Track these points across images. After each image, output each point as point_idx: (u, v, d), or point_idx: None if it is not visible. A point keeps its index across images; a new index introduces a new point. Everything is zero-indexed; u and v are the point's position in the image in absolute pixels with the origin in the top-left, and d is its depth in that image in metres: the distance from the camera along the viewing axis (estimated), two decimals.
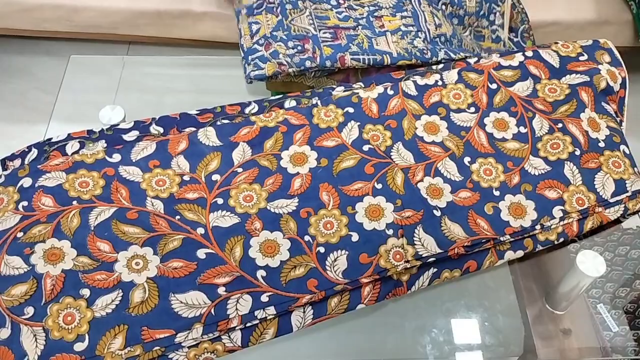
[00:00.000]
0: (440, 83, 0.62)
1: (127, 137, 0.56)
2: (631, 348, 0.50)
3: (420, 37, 0.70)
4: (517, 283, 0.54)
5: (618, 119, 0.61)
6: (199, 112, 0.58)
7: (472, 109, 0.60)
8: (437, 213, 0.51)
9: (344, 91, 0.61)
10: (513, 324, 0.52)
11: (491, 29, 0.77)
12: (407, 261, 0.48)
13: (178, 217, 0.50)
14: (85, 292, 0.45)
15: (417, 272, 0.50)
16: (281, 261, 0.47)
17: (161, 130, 0.56)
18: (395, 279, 0.49)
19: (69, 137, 0.55)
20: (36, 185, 0.50)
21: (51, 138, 0.55)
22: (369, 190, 0.52)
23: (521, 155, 0.56)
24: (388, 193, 0.52)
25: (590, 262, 0.51)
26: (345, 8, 0.73)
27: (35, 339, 0.42)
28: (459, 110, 0.60)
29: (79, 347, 0.42)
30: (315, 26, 0.70)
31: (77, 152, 0.54)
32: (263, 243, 0.48)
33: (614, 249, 0.56)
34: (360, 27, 0.71)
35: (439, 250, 0.49)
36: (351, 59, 0.65)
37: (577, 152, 0.56)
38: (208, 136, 0.56)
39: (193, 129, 0.57)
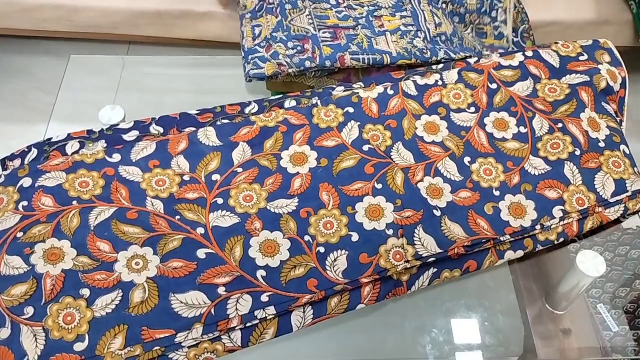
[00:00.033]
0: (440, 83, 0.62)
1: (127, 137, 0.56)
2: (631, 348, 0.50)
3: (420, 37, 0.70)
4: (517, 283, 0.54)
5: (618, 119, 0.61)
6: (198, 111, 0.58)
7: (472, 109, 0.60)
8: (437, 213, 0.51)
9: (344, 91, 0.61)
10: (513, 323, 0.52)
11: (493, 26, 0.77)
12: (407, 261, 0.48)
13: (178, 217, 0.50)
14: (85, 291, 0.45)
15: (417, 272, 0.50)
16: (281, 261, 0.47)
17: (161, 130, 0.56)
18: (395, 278, 0.49)
19: (69, 137, 0.55)
20: (36, 185, 0.50)
21: (51, 138, 0.55)
22: (368, 190, 0.52)
23: (521, 155, 0.56)
24: (388, 193, 0.52)
25: (590, 262, 0.51)
26: (344, 7, 0.73)
27: (35, 338, 0.42)
28: (459, 110, 0.60)
29: (79, 347, 0.42)
30: (315, 25, 0.70)
31: (77, 152, 0.54)
32: (263, 243, 0.48)
33: (613, 249, 0.56)
34: (359, 26, 0.71)
35: (438, 250, 0.49)
36: (351, 58, 0.65)
37: (577, 152, 0.56)
38: (208, 136, 0.56)
39: (193, 128, 0.57)
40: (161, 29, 1.08)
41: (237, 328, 0.45)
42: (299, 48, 0.67)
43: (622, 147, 0.58)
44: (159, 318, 0.44)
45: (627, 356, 0.50)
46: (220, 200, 0.51)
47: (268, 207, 0.51)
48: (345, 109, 0.59)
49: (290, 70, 0.65)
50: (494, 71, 0.63)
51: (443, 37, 0.71)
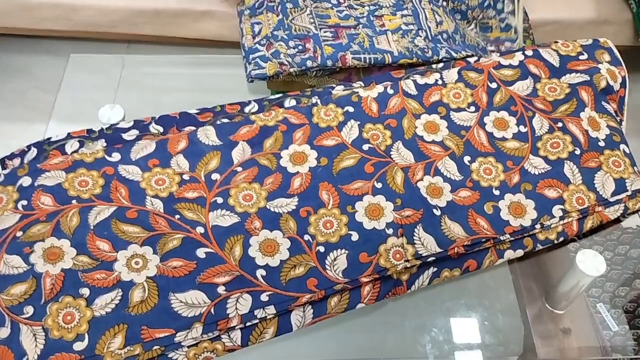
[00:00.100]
0: (440, 82, 0.62)
1: (127, 136, 0.56)
2: (631, 347, 0.50)
3: (421, 36, 0.69)
4: (517, 282, 0.54)
5: (618, 118, 0.61)
6: (198, 111, 0.58)
7: (472, 108, 0.60)
8: (437, 212, 0.51)
9: (344, 90, 0.61)
10: (513, 323, 0.52)
11: (499, 18, 0.76)
12: (407, 260, 0.48)
13: (177, 216, 0.49)
14: (85, 291, 0.45)
15: (417, 271, 0.50)
16: (281, 260, 0.47)
17: (161, 129, 0.56)
18: (395, 278, 0.49)
19: (69, 136, 0.55)
20: (35, 184, 0.50)
21: (50, 137, 0.54)
22: (368, 189, 0.52)
23: (521, 155, 0.56)
24: (388, 192, 0.52)
25: (590, 261, 0.51)
26: (345, 7, 0.73)
27: (35, 338, 0.42)
28: (459, 110, 0.60)
29: (79, 346, 0.42)
30: (316, 25, 0.70)
31: (76, 151, 0.54)
32: (263, 242, 0.48)
33: (613, 248, 0.56)
34: (360, 25, 0.71)
35: (438, 250, 0.49)
36: (352, 58, 0.65)
37: (577, 152, 0.56)
38: (208, 135, 0.56)
39: (193, 128, 0.57)
40: (160, 27, 1.08)
41: (237, 327, 0.45)
42: (300, 47, 0.67)
43: (622, 146, 0.58)
44: (159, 317, 0.44)
45: (627, 355, 0.50)
46: (220, 200, 0.51)
47: (268, 207, 0.51)
48: (345, 108, 0.58)
49: (291, 70, 0.65)
50: (494, 70, 0.63)
51: (445, 36, 0.71)
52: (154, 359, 0.43)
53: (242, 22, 0.73)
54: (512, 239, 0.52)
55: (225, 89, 0.72)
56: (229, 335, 0.45)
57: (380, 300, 0.49)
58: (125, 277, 0.46)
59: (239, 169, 0.53)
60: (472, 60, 0.65)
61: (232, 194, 0.51)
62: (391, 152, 0.55)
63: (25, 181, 0.50)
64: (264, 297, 0.45)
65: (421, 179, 0.53)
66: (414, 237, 0.49)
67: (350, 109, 0.58)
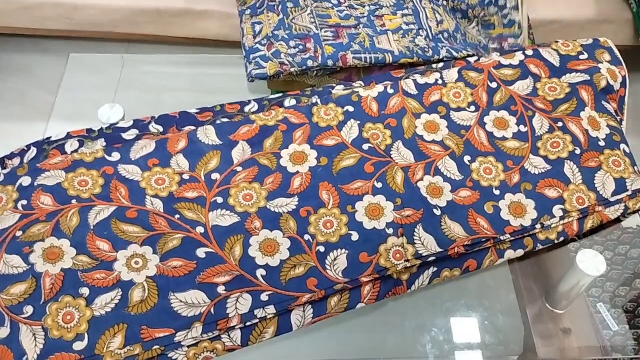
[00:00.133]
0: (440, 82, 0.62)
1: (126, 135, 0.55)
2: (631, 347, 0.50)
3: (421, 35, 0.69)
4: (517, 282, 0.54)
5: (618, 118, 0.61)
6: (198, 110, 0.58)
7: (472, 108, 0.60)
8: (437, 212, 0.51)
9: (344, 90, 0.61)
10: (513, 323, 0.52)
11: (502, 14, 0.75)
12: (407, 260, 0.48)
13: (177, 216, 0.49)
14: (85, 291, 0.45)
15: (417, 271, 0.50)
16: (281, 260, 0.47)
17: (160, 128, 0.56)
18: (395, 277, 0.49)
19: (68, 136, 0.55)
20: (35, 183, 0.50)
21: (50, 136, 0.54)
22: (368, 189, 0.52)
23: (521, 154, 0.56)
24: (388, 192, 0.52)
25: (590, 261, 0.51)
26: (346, 7, 0.73)
27: (35, 338, 0.42)
28: (459, 109, 0.60)
29: (78, 346, 0.42)
30: (317, 24, 0.70)
31: (76, 150, 0.54)
32: (263, 242, 0.48)
33: (613, 248, 0.56)
34: (361, 25, 0.70)
35: (438, 249, 0.49)
36: (353, 57, 0.65)
37: (577, 151, 0.56)
38: (207, 135, 0.56)
39: (192, 127, 0.57)
40: (160, 27, 1.08)
41: (236, 327, 0.45)
42: (300, 47, 0.67)
43: (622, 146, 0.58)
44: (159, 317, 0.44)
45: (627, 355, 0.50)
46: (219, 199, 0.51)
47: (268, 206, 0.51)
48: (345, 108, 0.58)
49: (292, 70, 0.65)
50: (494, 70, 0.63)
51: (446, 34, 0.71)
52: (154, 358, 0.43)
53: (243, 21, 0.73)
54: (512, 238, 0.52)
55: (225, 89, 0.72)
56: (228, 335, 0.45)
57: (380, 300, 0.49)
58: (125, 276, 0.46)
59: (239, 168, 0.53)
60: (472, 59, 0.65)
61: (232, 194, 0.51)
62: (391, 152, 0.55)
63: (25, 181, 0.50)
64: (263, 297, 0.45)
65: (421, 179, 0.53)
66: (414, 237, 0.49)
67: (350, 109, 0.58)
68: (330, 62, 0.65)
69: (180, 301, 0.45)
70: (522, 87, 0.61)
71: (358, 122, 0.57)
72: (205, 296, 0.45)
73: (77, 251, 0.47)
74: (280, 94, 0.61)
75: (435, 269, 0.50)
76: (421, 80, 0.62)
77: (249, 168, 0.53)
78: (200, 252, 0.47)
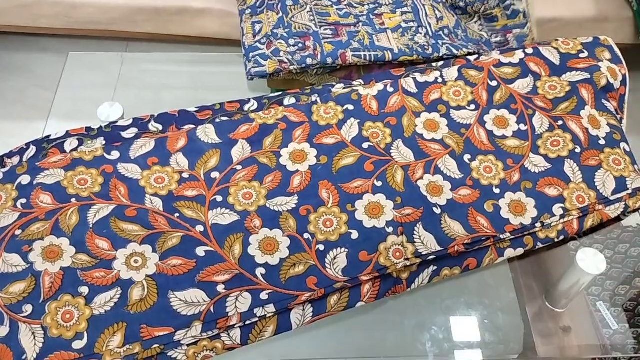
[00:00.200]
0: (440, 80, 0.62)
1: (126, 134, 0.55)
2: (630, 346, 0.50)
3: (421, 33, 0.69)
4: (517, 281, 0.54)
5: (618, 117, 0.61)
6: (197, 109, 0.58)
7: (472, 107, 0.60)
8: (437, 211, 0.51)
9: (344, 88, 0.61)
10: (513, 321, 0.52)
11: (504, 6, 0.74)
12: (407, 259, 0.48)
13: (177, 214, 0.49)
14: (84, 289, 0.44)
15: (417, 269, 0.50)
16: (281, 259, 0.47)
17: (160, 127, 0.56)
18: (395, 276, 0.49)
19: (68, 135, 0.54)
20: (35, 182, 0.50)
21: (50, 135, 0.54)
22: (368, 187, 0.52)
23: (521, 153, 0.56)
24: (388, 191, 0.52)
25: (590, 260, 0.51)
26: (345, 5, 0.73)
27: (34, 336, 0.42)
28: (459, 108, 0.59)
29: (78, 345, 0.42)
30: (316, 22, 0.70)
31: (75, 149, 0.54)
32: (262, 241, 0.48)
33: (613, 247, 0.56)
34: (361, 23, 0.70)
35: (438, 248, 0.49)
36: (352, 55, 0.65)
37: (578, 150, 0.56)
38: (207, 133, 0.55)
39: (192, 126, 0.56)
40: (159, 25, 1.08)
41: (236, 326, 0.45)
42: (300, 45, 0.67)
43: (623, 144, 0.58)
44: (158, 316, 0.44)
45: (627, 354, 0.50)
46: (219, 198, 0.51)
47: (268, 205, 0.50)
48: (345, 107, 0.58)
49: (291, 68, 0.65)
50: (494, 68, 0.63)
51: (446, 31, 0.71)
52: (154, 357, 0.43)
53: (243, 21, 0.73)
54: (513, 237, 0.51)
55: (225, 87, 0.72)
56: (228, 334, 0.45)
57: (380, 298, 0.49)
58: (124, 275, 0.46)
59: (239, 167, 0.53)
60: (472, 58, 0.65)
61: (232, 193, 0.51)
62: (391, 151, 0.55)
63: (24, 179, 0.50)
64: (263, 296, 0.45)
65: (421, 178, 0.53)
66: (414, 236, 0.49)
67: (350, 107, 0.58)
68: (329, 60, 0.65)
69: (180, 300, 0.45)
70: (523, 85, 0.61)
71: (358, 120, 0.57)
72: (205, 295, 0.45)
73: (77, 250, 0.46)
74: (280, 93, 0.61)
75: (435, 267, 0.50)
76: (421, 78, 0.62)
77: (249, 167, 0.53)
78: (200, 251, 0.47)
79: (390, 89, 0.60)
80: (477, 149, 0.56)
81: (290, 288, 0.46)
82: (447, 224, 0.50)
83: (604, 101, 0.60)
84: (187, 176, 0.52)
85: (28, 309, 0.43)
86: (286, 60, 0.65)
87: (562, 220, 0.53)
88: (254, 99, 0.60)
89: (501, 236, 0.51)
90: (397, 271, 0.49)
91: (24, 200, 0.49)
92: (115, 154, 0.53)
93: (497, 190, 0.53)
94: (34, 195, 0.49)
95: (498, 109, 0.59)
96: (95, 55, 0.77)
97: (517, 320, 0.52)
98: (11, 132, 1.13)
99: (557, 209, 0.53)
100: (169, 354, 0.43)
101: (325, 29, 0.69)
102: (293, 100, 0.59)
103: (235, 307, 0.45)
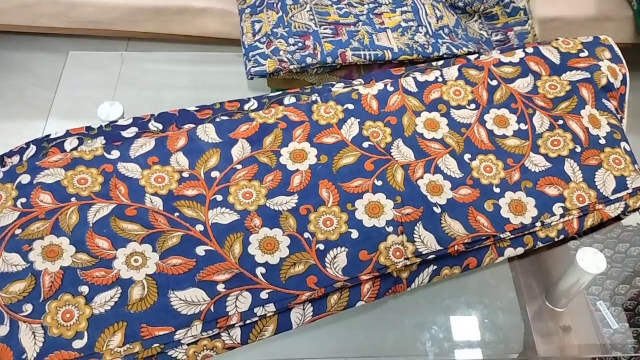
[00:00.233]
0: (440, 79, 0.62)
1: (126, 133, 0.55)
2: (631, 345, 0.50)
3: (421, 32, 0.69)
4: (517, 280, 0.54)
5: (619, 116, 0.61)
6: (198, 108, 0.58)
7: (473, 106, 0.60)
8: (437, 210, 0.51)
9: (344, 87, 0.61)
10: (513, 321, 0.52)
11: (503, 4, 0.74)
12: (407, 258, 0.48)
13: (177, 214, 0.49)
14: (84, 289, 0.44)
15: (416, 269, 0.50)
16: (281, 258, 0.47)
17: (160, 126, 0.56)
18: (395, 276, 0.49)
19: (68, 134, 0.54)
20: (34, 181, 0.50)
21: (49, 134, 0.54)
22: (368, 187, 0.52)
23: (521, 152, 0.56)
24: (388, 190, 0.52)
25: (590, 259, 0.51)
26: (345, 5, 0.73)
27: (34, 336, 0.42)
28: (459, 107, 0.59)
29: (78, 344, 0.42)
30: (316, 22, 0.70)
31: (75, 148, 0.54)
32: (262, 240, 0.48)
33: (613, 246, 0.56)
34: (360, 23, 0.70)
35: (438, 247, 0.49)
36: (352, 54, 0.65)
37: (578, 149, 0.56)
38: (207, 133, 0.55)
39: (192, 125, 0.56)
40: (160, 25, 1.08)
41: (236, 325, 0.45)
42: (300, 44, 0.67)
43: (623, 144, 0.58)
44: (158, 315, 0.44)
45: (627, 353, 0.50)
46: (219, 197, 0.51)
47: (268, 204, 0.50)
48: (345, 106, 0.58)
49: (291, 67, 0.65)
50: (495, 68, 0.63)
51: (446, 30, 0.71)
52: (154, 357, 0.43)
53: (243, 20, 0.73)
54: (513, 236, 0.51)
55: (225, 86, 0.72)
56: (228, 333, 0.45)
57: (380, 298, 0.49)
58: (124, 274, 0.46)
59: (239, 166, 0.53)
60: (472, 57, 0.64)
61: (232, 192, 0.51)
62: (391, 150, 0.55)
63: (24, 179, 0.50)
64: (263, 295, 0.45)
65: (421, 177, 0.53)
66: (414, 235, 0.49)
67: (350, 107, 0.58)
68: (329, 60, 0.65)
69: (180, 299, 0.45)
70: (523, 85, 0.61)
71: (358, 120, 0.57)
72: (205, 294, 0.45)
73: (77, 249, 0.46)
74: (280, 92, 0.61)
75: (435, 267, 0.50)
76: (421, 78, 0.62)
77: (249, 166, 0.53)
78: (200, 250, 0.47)
79: (390, 88, 0.60)
80: (477, 148, 0.56)
81: (290, 287, 0.46)
82: (447, 223, 0.50)
83: (604, 100, 0.60)
84: (187, 175, 0.52)
85: (28, 308, 0.43)
86: (286, 60, 0.65)
87: (562, 220, 0.53)
88: (254, 98, 0.60)
89: (501, 235, 0.51)
90: (397, 270, 0.49)
91: (23, 200, 0.49)
92: (115, 153, 0.53)
93: (497, 190, 0.53)
94: (33, 194, 0.49)
95: (498, 108, 0.59)
96: (95, 54, 0.77)
97: (517, 319, 0.52)
98: (11, 131, 1.13)
99: (557, 208, 0.53)
100: (169, 353, 0.43)
101: (325, 28, 0.69)
102: (293, 100, 0.59)
103: (236, 306, 0.45)
